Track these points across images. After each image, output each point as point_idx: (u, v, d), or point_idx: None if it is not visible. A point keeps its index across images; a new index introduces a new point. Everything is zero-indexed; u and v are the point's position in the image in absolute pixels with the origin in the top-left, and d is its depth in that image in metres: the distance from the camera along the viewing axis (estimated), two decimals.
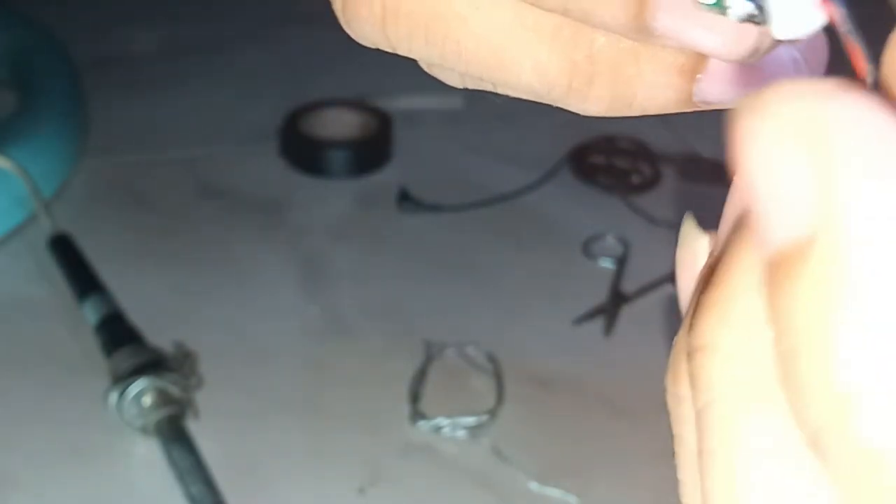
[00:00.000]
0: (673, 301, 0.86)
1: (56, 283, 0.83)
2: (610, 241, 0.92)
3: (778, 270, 0.16)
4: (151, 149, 1.02)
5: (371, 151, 1.00)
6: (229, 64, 1.13)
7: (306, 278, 0.87)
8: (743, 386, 0.17)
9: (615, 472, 0.72)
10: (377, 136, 1.01)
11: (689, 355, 0.18)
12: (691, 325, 0.18)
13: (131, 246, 0.90)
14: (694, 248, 0.21)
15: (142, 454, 0.72)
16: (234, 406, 0.76)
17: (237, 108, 1.07)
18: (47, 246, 0.85)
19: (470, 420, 0.75)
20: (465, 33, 0.24)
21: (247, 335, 0.82)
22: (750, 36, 0.21)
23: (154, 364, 0.74)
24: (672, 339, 0.20)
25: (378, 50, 0.26)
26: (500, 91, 0.25)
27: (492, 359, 0.79)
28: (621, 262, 0.89)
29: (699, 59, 0.23)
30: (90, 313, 0.79)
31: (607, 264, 0.89)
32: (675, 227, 0.98)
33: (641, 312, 0.85)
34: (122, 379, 0.73)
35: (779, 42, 0.21)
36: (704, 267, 0.20)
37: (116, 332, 0.77)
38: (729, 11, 0.21)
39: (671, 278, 0.87)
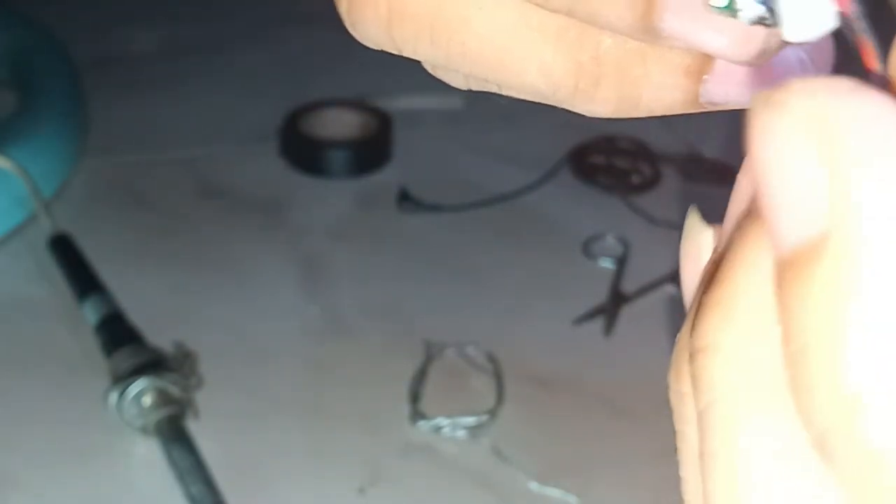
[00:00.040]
0: (673, 301, 0.86)
1: (56, 283, 0.83)
2: (610, 241, 0.91)
3: (789, 269, 0.16)
4: (151, 149, 1.02)
5: (371, 151, 1.00)
6: (229, 64, 1.13)
7: (306, 278, 0.87)
8: (745, 386, 0.17)
9: (615, 472, 0.72)
10: (377, 136, 1.01)
11: (692, 356, 0.18)
12: (693, 325, 0.18)
13: (131, 246, 0.89)
14: (698, 242, 0.21)
15: (142, 454, 0.72)
16: (234, 406, 0.76)
17: (237, 108, 1.07)
18: (47, 246, 0.85)
19: (470, 420, 0.75)
20: (470, 34, 0.24)
21: (247, 335, 0.82)
22: (758, 37, 0.21)
23: (154, 364, 0.74)
24: (673, 338, 0.20)
25: (380, 50, 0.26)
26: (504, 92, 0.25)
27: (492, 359, 0.79)
28: (621, 262, 0.89)
29: (706, 60, 0.23)
30: (90, 313, 0.79)
31: (607, 264, 0.89)
32: (675, 227, 0.98)
33: (641, 312, 0.85)
34: (122, 379, 0.73)
35: (786, 43, 0.21)
36: (707, 265, 0.20)
37: (116, 332, 0.77)
38: (740, 14, 0.21)
39: (671, 278, 0.87)
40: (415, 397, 0.76)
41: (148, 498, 0.71)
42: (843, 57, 0.21)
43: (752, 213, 0.18)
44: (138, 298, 0.81)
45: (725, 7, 0.21)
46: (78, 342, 0.79)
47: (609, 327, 0.83)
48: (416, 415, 0.75)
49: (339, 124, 1.01)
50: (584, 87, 0.23)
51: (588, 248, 0.91)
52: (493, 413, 0.75)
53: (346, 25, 0.25)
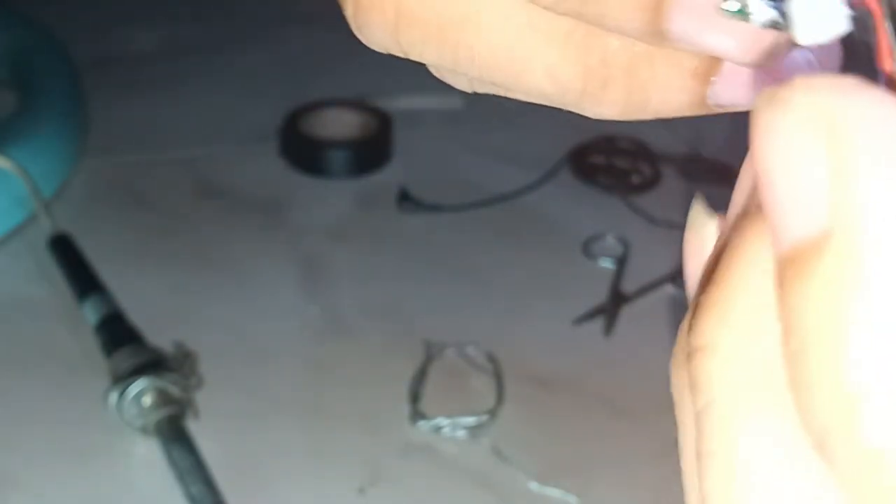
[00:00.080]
0: (673, 301, 0.86)
1: (56, 283, 0.83)
2: (610, 241, 0.91)
3: (790, 266, 0.16)
4: (151, 149, 1.02)
5: (371, 151, 1.00)
6: (229, 64, 1.13)
7: (306, 278, 0.87)
8: (744, 386, 0.17)
9: (615, 472, 0.72)
10: (377, 136, 1.01)
11: (689, 356, 0.18)
12: (691, 326, 0.18)
13: (131, 246, 0.89)
14: (702, 232, 0.21)
15: (142, 454, 0.72)
16: (234, 406, 0.76)
17: (237, 108, 1.07)
18: (47, 246, 0.85)
19: (470, 420, 0.75)
20: (478, 38, 0.23)
21: (247, 335, 0.82)
22: (766, 39, 0.21)
23: (154, 364, 0.74)
24: (673, 338, 0.20)
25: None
26: (511, 95, 0.25)
27: (492, 359, 0.79)
28: (621, 262, 0.89)
29: (714, 62, 0.23)
30: (90, 313, 0.79)
31: (607, 264, 0.89)
32: (675, 227, 0.98)
33: (641, 312, 0.85)
34: (122, 379, 0.73)
35: (794, 44, 0.21)
36: (706, 265, 0.20)
37: (116, 332, 0.77)
38: (752, 18, 0.21)
39: (671, 278, 0.87)
40: (415, 397, 0.76)
41: (148, 498, 0.71)
42: (847, 57, 0.21)
43: (749, 213, 0.18)
44: (138, 298, 0.81)
45: (737, 11, 0.21)
46: (78, 342, 0.79)
47: (609, 327, 0.83)
48: (416, 415, 0.75)
49: (339, 124, 1.01)
50: (592, 89, 0.23)
51: (588, 248, 0.91)
52: (493, 413, 0.75)
53: (353, 29, 0.25)
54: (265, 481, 0.71)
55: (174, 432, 0.72)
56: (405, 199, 0.95)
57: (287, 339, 0.82)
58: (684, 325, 0.19)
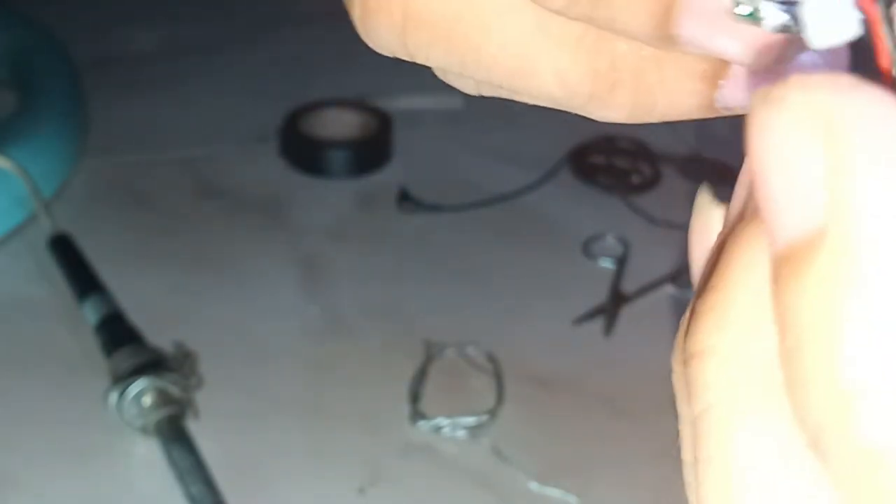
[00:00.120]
0: (673, 301, 0.86)
1: (56, 283, 0.83)
2: (610, 241, 0.91)
3: (785, 264, 0.16)
4: (151, 149, 1.02)
5: (371, 151, 1.00)
6: (229, 64, 1.13)
7: (306, 278, 0.87)
8: (740, 389, 0.17)
9: (615, 472, 0.72)
10: (377, 136, 1.01)
11: (686, 361, 0.18)
12: (688, 332, 0.18)
13: (131, 246, 0.89)
14: (708, 220, 0.21)
15: (142, 454, 0.72)
16: (234, 406, 0.76)
17: (237, 108, 1.07)
18: (47, 246, 0.85)
19: (470, 420, 0.75)
20: (486, 41, 0.23)
21: (247, 335, 0.82)
22: (776, 42, 0.21)
23: (154, 364, 0.74)
24: (673, 338, 0.20)
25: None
26: (518, 98, 0.25)
27: (492, 359, 0.79)
28: (621, 262, 0.89)
29: (722, 66, 0.23)
30: (90, 313, 0.79)
31: (607, 264, 0.89)
32: (675, 227, 0.98)
33: (641, 312, 0.85)
34: (122, 379, 0.73)
35: (803, 47, 0.21)
36: (703, 271, 0.20)
37: (116, 332, 0.77)
38: (763, 22, 0.21)
39: (671, 278, 0.87)
40: (415, 397, 0.76)
41: (148, 498, 0.71)
42: (852, 58, 0.21)
43: (745, 215, 0.18)
44: (138, 298, 0.81)
45: (749, 15, 0.21)
46: (78, 342, 0.79)
47: (609, 327, 0.83)
48: (416, 415, 0.75)
49: (339, 124, 1.01)
50: (600, 93, 0.23)
51: (588, 248, 0.91)
52: (493, 413, 0.75)
53: (359, 32, 0.25)
54: (265, 481, 0.71)
55: (174, 432, 0.72)
56: (405, 199, 0.95)
57: (287, 339, 0.82)
58: (681, 330, 0.19)
